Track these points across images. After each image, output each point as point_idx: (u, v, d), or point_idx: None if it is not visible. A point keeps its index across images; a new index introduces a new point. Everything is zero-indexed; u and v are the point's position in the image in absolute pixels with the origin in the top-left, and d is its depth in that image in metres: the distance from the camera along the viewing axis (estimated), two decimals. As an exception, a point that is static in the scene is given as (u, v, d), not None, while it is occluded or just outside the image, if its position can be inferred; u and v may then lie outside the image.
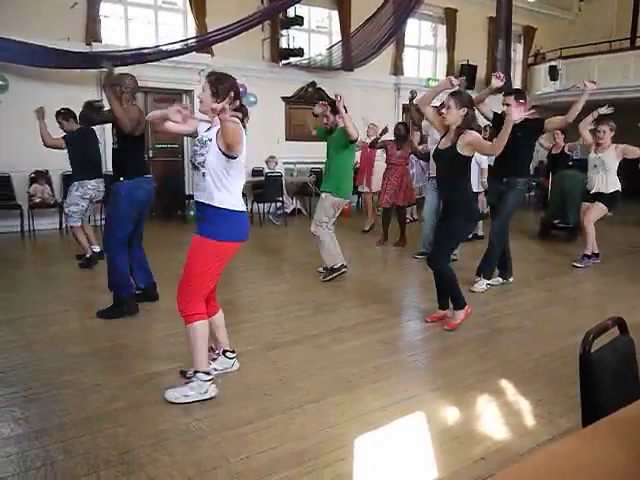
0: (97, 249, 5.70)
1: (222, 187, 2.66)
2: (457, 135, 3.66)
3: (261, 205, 8.94)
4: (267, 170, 9.23)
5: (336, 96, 4.96)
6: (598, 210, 5.83)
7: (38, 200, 7.54)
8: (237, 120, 2.57)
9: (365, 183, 8.32)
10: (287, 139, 10.22)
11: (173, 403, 2.68)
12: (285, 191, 9.46)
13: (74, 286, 5.13)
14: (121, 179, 3.98)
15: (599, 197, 5.82)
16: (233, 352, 3.09)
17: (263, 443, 2.36)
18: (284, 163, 9.94)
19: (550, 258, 5.08)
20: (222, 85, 2.63)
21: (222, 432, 2.45)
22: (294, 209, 9.90)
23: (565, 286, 5.15)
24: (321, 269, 5.42)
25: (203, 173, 2.66)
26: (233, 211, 2.69)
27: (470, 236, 6.12)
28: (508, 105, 4.59)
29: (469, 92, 4.27)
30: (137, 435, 2.41)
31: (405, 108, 11.58)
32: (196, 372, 2.74)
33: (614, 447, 1.10)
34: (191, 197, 9.15)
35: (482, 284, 4.85)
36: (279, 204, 9.18)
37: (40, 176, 7.63)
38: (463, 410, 2.70)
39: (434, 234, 3.89)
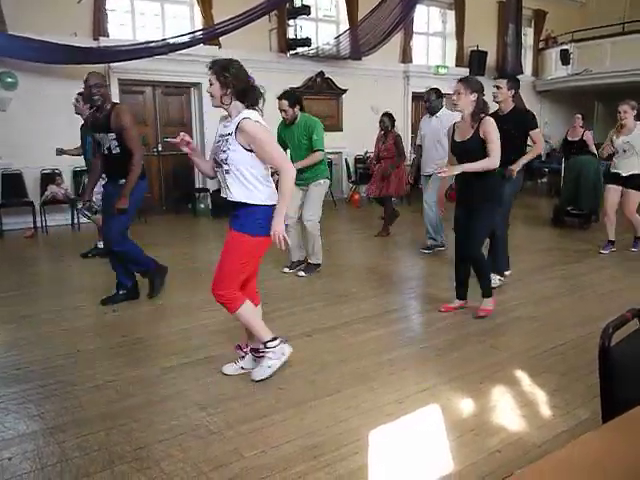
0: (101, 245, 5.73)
1: (248, 183, 2.65)
2: (476, 122, 3.61)
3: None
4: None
5: None
6: (635, 198, 5.64)
7: (50, 197, 7.54)
8: (262, 126, 2.58)
9: None
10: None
11: (258, 381, 2.82)
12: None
13: (87, 281, 5.16)
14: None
15: (631, 180, 5.59)
16: (258, 351, 2.93)
17: (277, 437, 2.36)
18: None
19: (564, 246, 5.00)
20: (228, 72, 2.59)
21: (236, 427, 2.44)
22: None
23: (580, 274, 5.07)
24: (287, 269, 5.13)
25: (226, 170, 2.66)
26: (262, 206, 2.68)
27: None
28: (499, 88, 4.47)
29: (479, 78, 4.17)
30: (151, 431, 2.42)
31: (414, 96, 11.47)
32: (265, 344, 2.83)
33: (635, 444, 1.06)
34: (201, 190, 9.15)
35: (494, 278, 4.39)
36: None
37: (53, 176, 7.60)
38: (478, 401, 2.68)
39: (468, 226, 3.79)
